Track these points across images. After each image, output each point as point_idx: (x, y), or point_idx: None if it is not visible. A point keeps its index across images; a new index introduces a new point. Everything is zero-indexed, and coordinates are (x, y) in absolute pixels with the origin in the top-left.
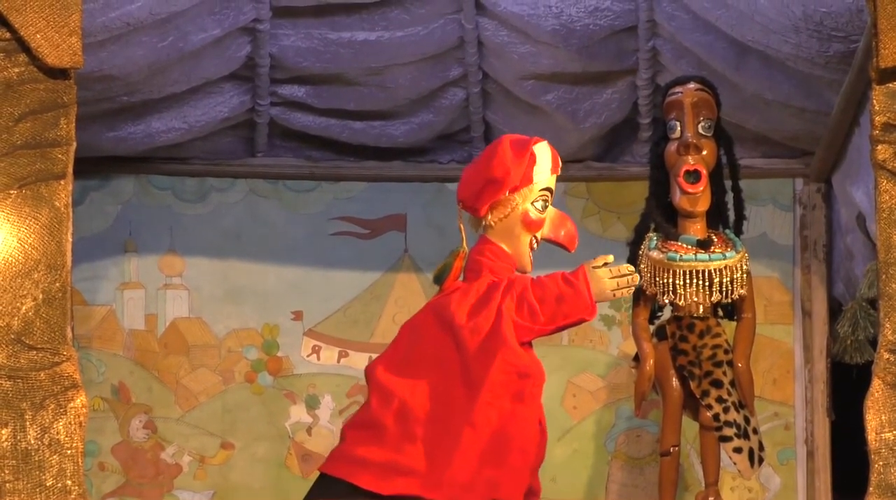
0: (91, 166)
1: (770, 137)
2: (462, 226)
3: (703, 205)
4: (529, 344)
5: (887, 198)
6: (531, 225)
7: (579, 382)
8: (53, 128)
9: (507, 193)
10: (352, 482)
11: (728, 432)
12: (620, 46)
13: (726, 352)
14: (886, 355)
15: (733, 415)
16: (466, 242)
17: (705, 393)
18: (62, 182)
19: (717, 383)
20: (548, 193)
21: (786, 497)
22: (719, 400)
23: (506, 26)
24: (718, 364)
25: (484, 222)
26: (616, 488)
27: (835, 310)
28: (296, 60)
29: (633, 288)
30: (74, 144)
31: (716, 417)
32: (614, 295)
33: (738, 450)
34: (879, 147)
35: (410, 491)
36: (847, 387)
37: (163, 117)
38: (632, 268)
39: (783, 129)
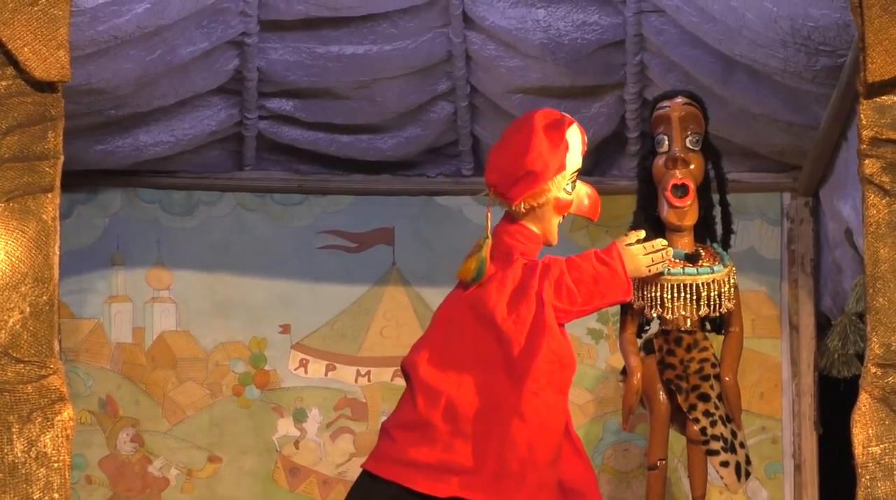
0: (78, 180)
1: (757, 151)
2: (489, 215)
3: (690, 219)
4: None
5: (875, 212)
6: (563, 208)
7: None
8: (41, 141)
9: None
10: (406, 485)
11: (715, 445)
12: (608, 60)
13: (713, 366)
14: (874, 370)
15: (720, 429)
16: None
17: (692, 407)
18: (50, 195)
19: (705, 397)
20: (576, 174)
21: None
22: (706, 414)
23: (494, 40)
24: (706, 378)
25: (514, 208)
26: None
27: (822, 324)
28: (284, 74)
29: (667, 262)
30: (62, 157)
31: (703, 430)
32: (649, 271)
33: (725, 464)
34: (867, 162)
35: (467, 493)
36: (834, 401)
37: (150, 131)
38: (665, 242)
39: (770, 143)
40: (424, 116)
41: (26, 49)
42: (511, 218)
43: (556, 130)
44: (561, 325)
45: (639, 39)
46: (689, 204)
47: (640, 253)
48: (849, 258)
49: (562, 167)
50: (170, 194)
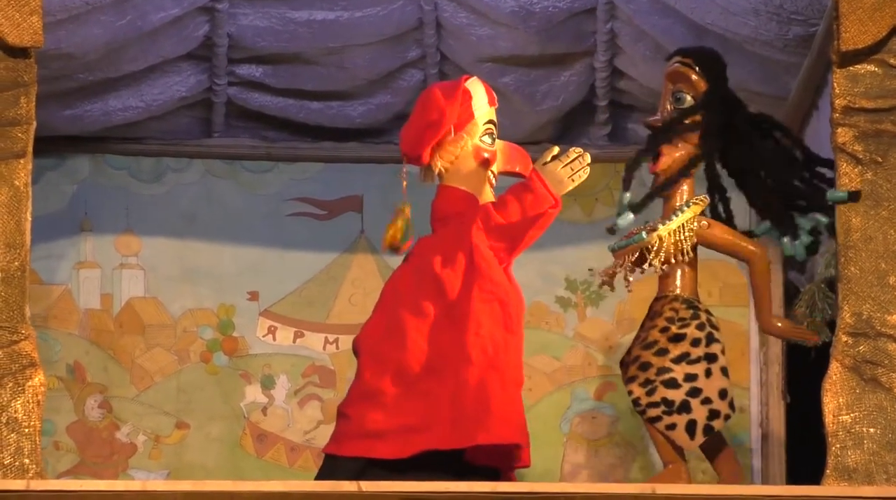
0: (47, 146)
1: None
2: (404, 179)
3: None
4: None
5: (847, 181)
6: (485, 160)
7: (534, 364)
8: (13, 107)
9: (451, 133)
10: (369, 456)
11: (653, 412)
12: (579, 28)
13: (662, 331)
14: (844, 338)
15: (662, 393)
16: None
17: (631, 379)
18: (22, 161)
19: (644, 366)
20: (492, 126)
21: (741, 479)
22: (644, 383)
23: (465, 8)
24: (649, 346)
25: (436, 170)
26: (571, 469)
27: (790, 292)
28: (254, 40)
29: (587, 167)
30: (34, 123)
31: (636, 402)
32: (573, 180)
33: (671, 426)
34: (839, 130)
35: (430, 445)
36: (803, 370)
37: (120, 96)
38: (580, 150)
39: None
40: (394, 83)
41: None
42: (441, 186)
43: (453, 85)
44: (505, 264)
45: (609, 7)
46: (661, 170)
47: (558, 167)
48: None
49: (468, 115)
50: (138, 161)
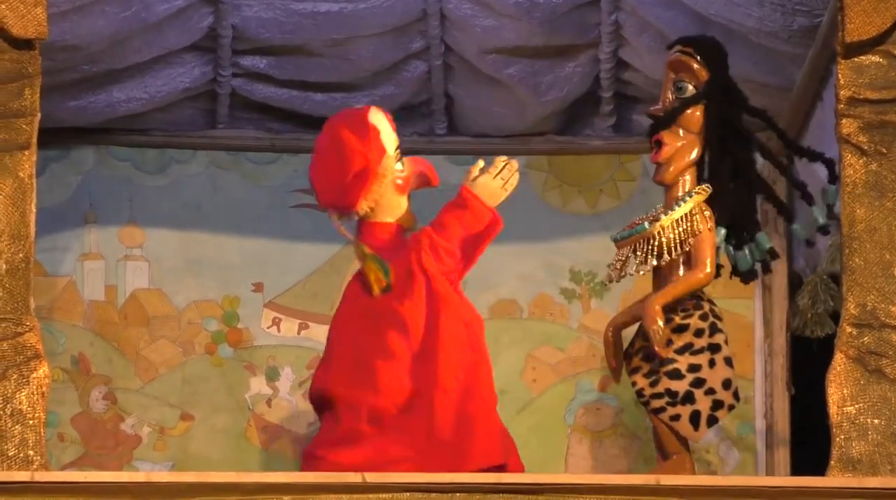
0: (51, 137)
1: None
2: (338, 226)
3: (665, 175)
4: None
5: (852, 172)
6: (403, 188)
7: (539, 355)
8: (18, 98)
9: (376, 176)
10: None
11: (657, 403)
12: (583, 20)
13: (666, 321)
14: (849, 329)
15: (666, 384)
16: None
17: (634, 370)
18: (26, 153)
19: (648, 357)
20: (399, 151)
21: (745, 471)
22: (648, 374)
23: None
24: (650, 336)
25: (362, 213)
26: (575, 461)
27: (795, 284)
28: (258, 31)
29: (517, 173)
30: (39, 114)
31: (640, 393)
32: (506, 190)
33: (675, 418)
34: (844, 121)
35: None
36: (808, 361)
37: (124, 87)
38: (505, 158)
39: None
40: (398, 74)
41: (3, 6)
42: (366, 224)
43: (360, 123)
44: (456, 285)
45: None
46: (664, 159)
47: (488, 180)
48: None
49: (383, 151)
50: (142, 152)
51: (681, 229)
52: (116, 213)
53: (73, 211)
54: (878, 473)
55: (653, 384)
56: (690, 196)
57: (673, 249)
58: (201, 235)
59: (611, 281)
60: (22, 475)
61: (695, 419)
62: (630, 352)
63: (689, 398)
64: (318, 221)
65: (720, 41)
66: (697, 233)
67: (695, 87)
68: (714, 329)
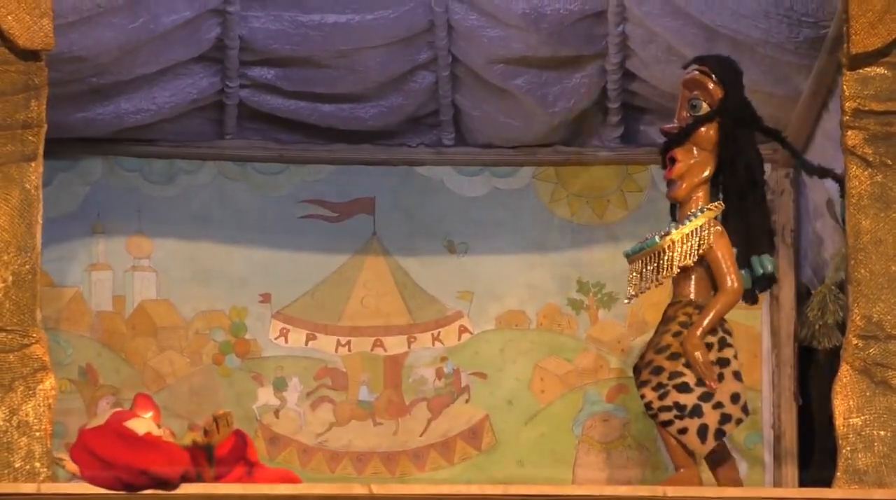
0: (59, 148)
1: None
2: None
3: (681, 193)
4: None
5: (857, 183)
6: None
7: (547, 365)
8: (24, 110)
9: None
10: None
11: (666, 416)
12: (590, 31)
13: (675, 335)
14: (855, 341)
15: (674, 397)
16: None
17: (643, 383)
18: (33, 164)
19: (657, 370)
20: None
21: (753, 481)
22: (657, 387)
23: (476, 10)
24: (661, 350)
25: None
26: (583, 471)
27: (803, 295)
28: (265, 43)
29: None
30: (45, 126)
31: (648, 406)
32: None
33: (682, 431)
34: (850, 133)
35: None
36: (815, 372)
37: (131, 99)
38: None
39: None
40: (406, 85)
41: (10, 18)
42: None
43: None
44: None
45: (621, 10)
46: (677, 176)
47: None
48: (829, 230)
49: None
50: (150, 163)
51: (690, 244)
52: (124, 223)
53: (81, 221)
54: (884, 485)
55: (661, 397)
56: (702, 212)
57: (682, 261)
58: (209, 245)
59: (631, 298)
60: (28, 487)
61: (702, 432)
62: (639, 365)
63: (696, 412)
64: (325, 232)
65: (735, 63)
66: (710, 247)
67: (709, 105)
68: (723, 344)
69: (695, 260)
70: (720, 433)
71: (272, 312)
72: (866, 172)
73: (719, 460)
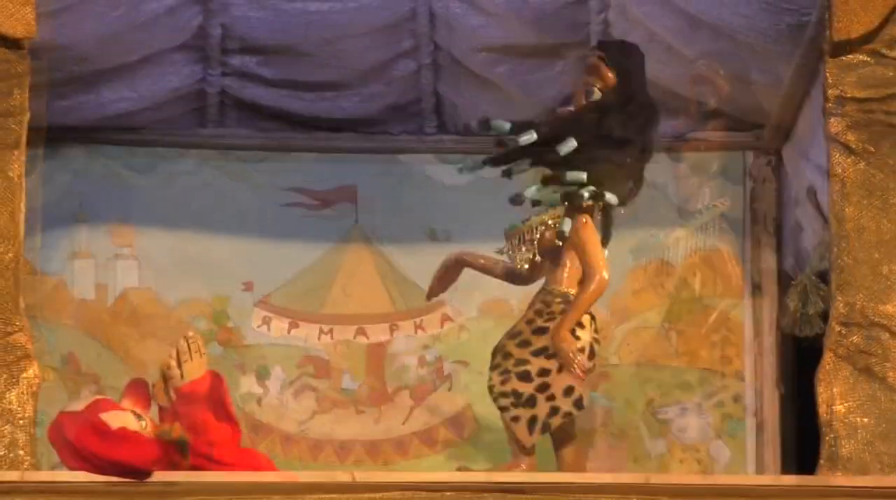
0: (41, 136)
1: (720, 110)
2: None
3: None
4: None
5: (840, 171)
6: None
7: None
8: (7, 98)
9: None
10: None
11: (503, 402)
12: (572, 19)
13: (528, 322)
14: (838, 328)
15: (514, 385)
16: None
17: (493, 367)
18: (15, 152)
19: (506, 356)
20: None
21: (735, 469)
22: (503, 372)
23: None
24: (513, 336)
25: None
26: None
27: (785, 283)
28: (247, 31)
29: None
30: (28, 114)
31: (490, 389)
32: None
33: (515, 419)
34: (832, 120)
35: None
36: (797, 360)
37: (113, 87)
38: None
39: (733, 102)
40: (388, 73)
41: None
42: None
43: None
44: None
45: None
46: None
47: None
48: (810, 217)
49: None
50: (133, 151)
51: (552, 230)
52: (107, 212)
53: (64, 210)
54: (868, 472)
55: (503, 383)
56: (570, 197)
57: (544, 246)
58: (191, 234)
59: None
60: (12, 475)
61: (532, 424)
62: (495, 348)
63: (531, 402)
64: (307, 220)
65: (639, 50)
66: (574, 235)
67: (600, 90)
68: (572, 335)
69: (556, 246)
70: (545, 427)
71: (254, 300)
72: (849, 159)
73: (564, 440)
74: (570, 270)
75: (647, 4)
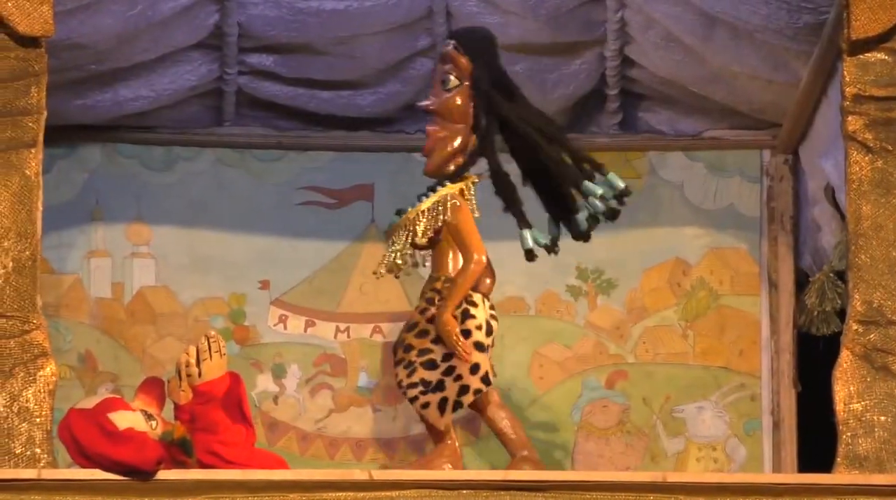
0: (58, 135)
1: (737, 108)
2: None
3: (430, 166)
4: None
5: (857, 169)
6: None
7: (545, 352)
8: (24, 96)
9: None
10: None
11: (412, 393)
12: (589, 17)
13: (422, 312)
14: (855, 326)
15: (421, 374)
16: None
17: (397, 362)
18: (33, 151)
19: (408, 348)
20: None
21: (752, 468)
22: (407, 365)
23: None
24: (411, 327)
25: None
26: (582, 458)
27: (801, 281)
28: (264, 29)
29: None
30: (45, 112)
31: (399, 384)
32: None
33: (425, 406)
34: (850, 118)
35: None
36: (815, 358)
37: (130, 85)
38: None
39: (751, 100)
40: (404, 72)
41: (10, 4)
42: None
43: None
44: None
45: None
46: (426, 151)
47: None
48: (828, 216)
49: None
50: (149, 150)
51: (430, 218)
52: (123, 210)
53: (80, 208)
54: (885, 470)
55: (409, 375)
56: (443, 185)
57: (423, 235)
58: (208, 232)
59: (382, 274)
60: (29, 473)
61: (442, 405)
62: (395, 343)
63: (439, 387)
64: (324, 219)
65: (489, 33)
66: (448, 221)
67: (457, 78)
68: (466, 315)
69: (433, 234)
70: (457, 405)
71: (271, 298)
72: (867, 158)
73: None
74: (452, 254)
75: (664, 2)
